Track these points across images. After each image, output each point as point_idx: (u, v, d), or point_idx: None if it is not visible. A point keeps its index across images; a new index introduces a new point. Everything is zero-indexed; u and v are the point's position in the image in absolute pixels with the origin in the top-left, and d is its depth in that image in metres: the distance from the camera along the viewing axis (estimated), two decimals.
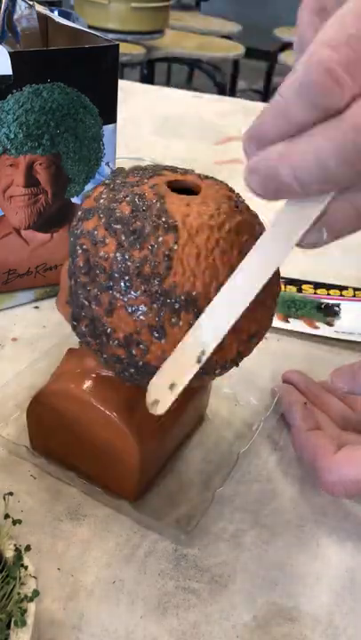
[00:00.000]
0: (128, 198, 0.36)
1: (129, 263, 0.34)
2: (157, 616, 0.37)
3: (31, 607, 0.31)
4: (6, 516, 0.34)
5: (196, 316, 0.33)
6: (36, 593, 0.31)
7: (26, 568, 0.32)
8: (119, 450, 0.40)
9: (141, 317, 0.34)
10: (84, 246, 0.36)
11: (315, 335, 0.60)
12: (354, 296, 0.66)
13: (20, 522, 0.35)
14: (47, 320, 0.59)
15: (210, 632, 0.36)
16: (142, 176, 0.37)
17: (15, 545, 0.33)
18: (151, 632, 0.36)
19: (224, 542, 0.41)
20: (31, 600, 0.31)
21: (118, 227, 0.35)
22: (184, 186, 0.38)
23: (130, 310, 0.34)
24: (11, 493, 0.37)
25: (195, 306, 0.34)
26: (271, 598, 0.38)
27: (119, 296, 0.34)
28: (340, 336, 0.60)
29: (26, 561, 0.32)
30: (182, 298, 0.33)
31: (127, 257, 0.34)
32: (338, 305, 0.64)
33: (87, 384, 0.40)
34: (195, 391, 0.45)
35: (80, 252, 0.36)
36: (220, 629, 0.36)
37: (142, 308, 0.34)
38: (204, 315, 0.33)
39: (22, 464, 0.44)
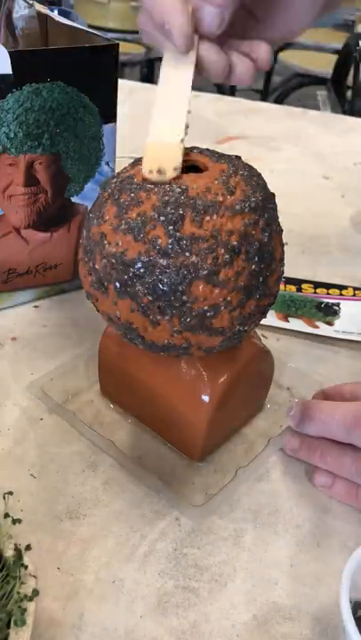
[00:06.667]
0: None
1: (91, 215, 0.40)
2: (157, 615, 0.37)
3: (31, 606, 0.31)
4: (6, 516, 0.34)
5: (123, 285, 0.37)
6: (35, 592, 0.31)
7: (26, 567, 0.32)
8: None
9: (96, 267, 0.39)
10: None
11: (314, 334, 0.60)
12: (354, 295, 0.66)
13: (19, 521, 0.35)
14: (47, 319, 0.59)
15: (210, 631, 0.36)
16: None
17: (15, 544, 0.33)
18: (151, 631, 0.36)
19: (224, 542, 0.41)
20: (31, 599, 0.31)
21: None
22: (196, 165, 0.41)
23: (85, 261, 0.40)
24: (11, 493, 0.37)
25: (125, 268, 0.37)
26: (271, 598, 0.38)
27: (85, 243, 0.40)
28: (340, 335, 0.60)
29: (26, 560, 0.32)
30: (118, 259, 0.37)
31: (99, 206, 0.39)
32: (337, 304, 0.64)
33: None
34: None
35: None
36: (219, 628, 0.36)
37: (95, 266, 0.39)
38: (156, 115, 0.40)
39: (23, 463, 0.44)
